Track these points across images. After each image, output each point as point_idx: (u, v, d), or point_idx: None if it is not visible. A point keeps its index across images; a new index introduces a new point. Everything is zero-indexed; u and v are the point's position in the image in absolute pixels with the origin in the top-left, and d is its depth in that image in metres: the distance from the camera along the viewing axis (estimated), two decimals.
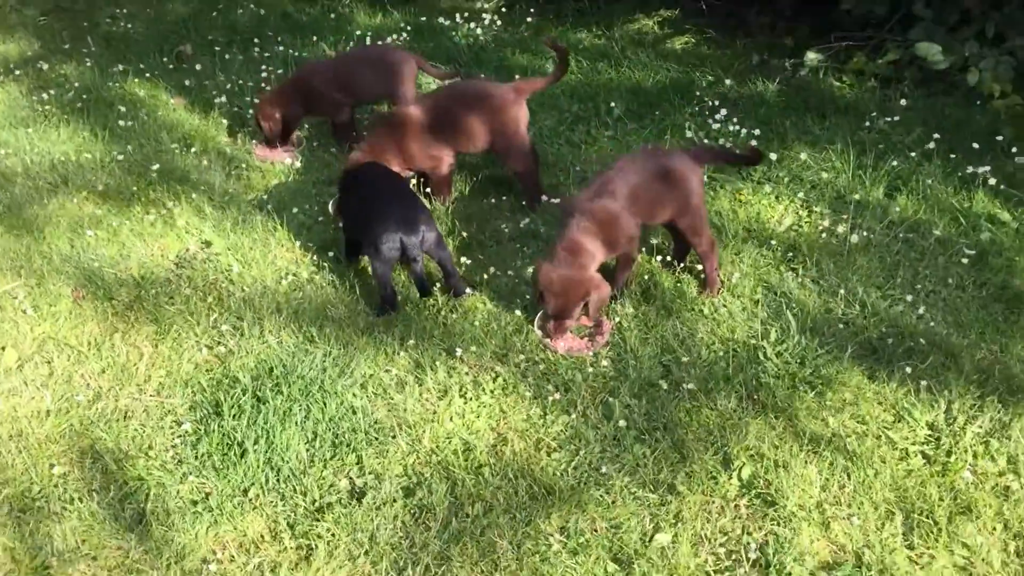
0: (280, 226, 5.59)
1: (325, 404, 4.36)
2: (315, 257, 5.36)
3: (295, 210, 5.73)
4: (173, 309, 5.04)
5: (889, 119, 6.25)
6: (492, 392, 4.40)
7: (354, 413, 4.34)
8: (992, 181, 5.49)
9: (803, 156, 5.88)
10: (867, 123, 6.26)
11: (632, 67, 7.18)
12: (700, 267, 4.93)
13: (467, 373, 4.51)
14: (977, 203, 5.38)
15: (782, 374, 4.36)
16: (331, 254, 5.37)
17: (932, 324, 4.61)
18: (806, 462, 3.93)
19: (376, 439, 4.21)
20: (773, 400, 4.24)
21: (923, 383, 4.26)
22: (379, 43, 7.64)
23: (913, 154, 5.83)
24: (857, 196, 5.52)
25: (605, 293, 4.56)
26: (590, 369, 4.47)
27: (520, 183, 5.70)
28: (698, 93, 6.65)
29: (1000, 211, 5.34)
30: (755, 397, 4.27)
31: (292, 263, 5.37)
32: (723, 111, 6.34)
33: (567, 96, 6.85)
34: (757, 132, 6.15)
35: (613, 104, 6.60)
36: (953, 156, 5.79)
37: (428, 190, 5.74)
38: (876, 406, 4.20)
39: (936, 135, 5.92)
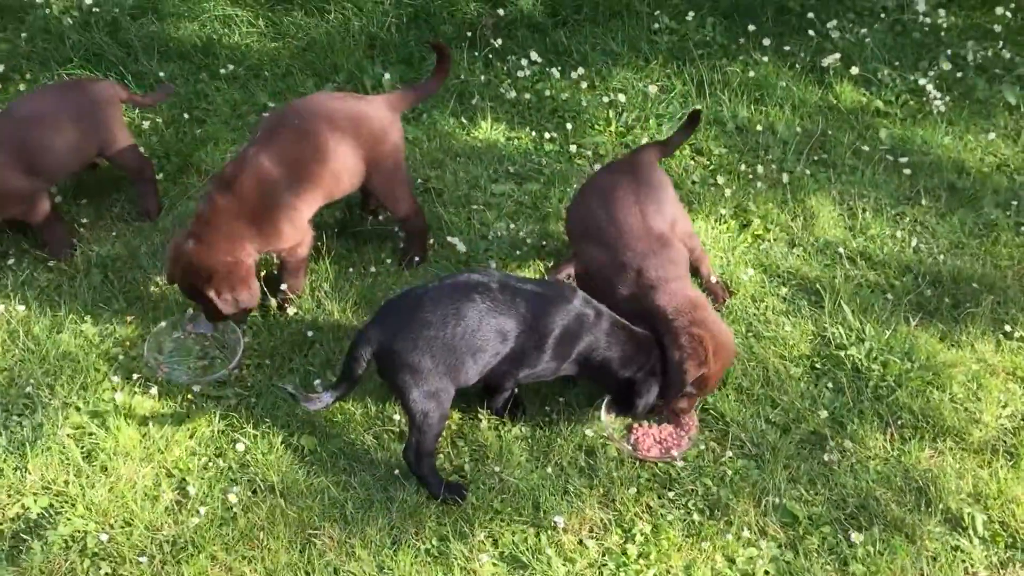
0: (102, 429, 3.52)
1: None
2: (194, 456, 3.47)
3: (104, 389, 3.61)
4: None
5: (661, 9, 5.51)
6: (645, 556, 3.25)
7: None
8: (855, 70, 5.15)
9: (652, 90, 5.03)
10: (657, 24, 5.46)
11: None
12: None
13: (583, 542, 3.28)
14: (844, 98, 5.05)
15: (894, 377, 3.75)
16: (240, 440, 3.49)
17: (941, 257, 4.28)
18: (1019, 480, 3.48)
19: None
20: (915, 419, 3.65)
21: (1006, 326, 3.99)
22: (48, 83, 4.90)
23: (738, 56, 5.25)
24: (735, 123, 4.89)
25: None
26: (727, 471, 3.47)
27: (406, 231, 4.16)
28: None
29: (872, 99, 5.06)
30: (899, 422, 3.66)
31: (162, 473, 3.42)
32: (498, 40, 5.13)
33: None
34: (560, 68, 5.13)
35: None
36: (787, 48, 5.32)
37: (284, 284, 3.94)
38: (992, 378, 3.81)
39: (739, 17, 5.36)
